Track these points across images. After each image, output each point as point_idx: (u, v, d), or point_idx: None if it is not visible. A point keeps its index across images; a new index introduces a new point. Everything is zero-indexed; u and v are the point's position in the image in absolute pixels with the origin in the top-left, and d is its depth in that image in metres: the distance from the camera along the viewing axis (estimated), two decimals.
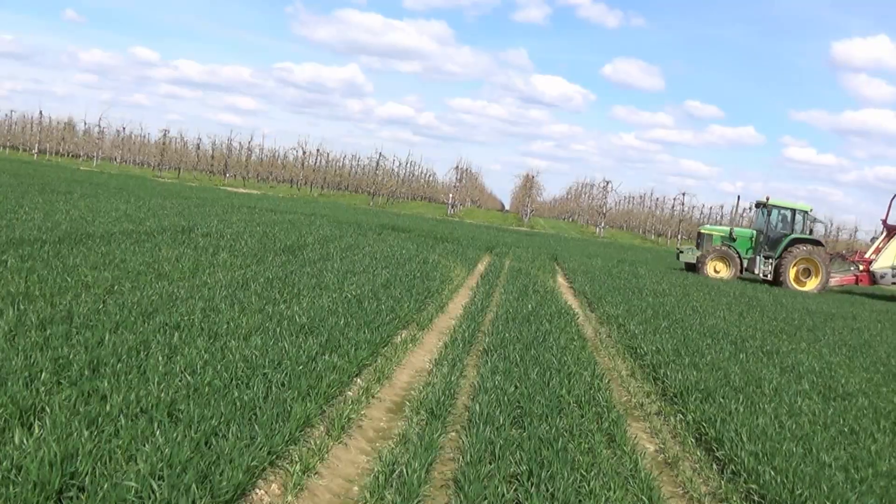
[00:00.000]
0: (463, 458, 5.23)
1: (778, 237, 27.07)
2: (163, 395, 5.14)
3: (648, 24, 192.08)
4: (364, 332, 8.14)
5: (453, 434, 5.89)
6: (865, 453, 6.38)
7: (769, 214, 27.32)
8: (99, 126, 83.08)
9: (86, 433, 4.29)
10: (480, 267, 18.82)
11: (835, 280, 28.18)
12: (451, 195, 73.84)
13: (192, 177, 79.67)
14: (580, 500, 4.79)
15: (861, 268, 28.17)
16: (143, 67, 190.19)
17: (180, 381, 5.55)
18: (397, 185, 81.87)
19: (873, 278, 27.80)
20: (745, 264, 27.20)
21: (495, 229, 46.72)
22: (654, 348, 9.59)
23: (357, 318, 8.81)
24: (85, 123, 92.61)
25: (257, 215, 25.10)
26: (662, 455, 6.24)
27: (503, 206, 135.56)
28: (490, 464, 5.13)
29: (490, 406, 6.26)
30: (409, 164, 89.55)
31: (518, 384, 7.09)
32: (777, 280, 26.43)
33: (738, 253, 27.04)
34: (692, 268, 27.31)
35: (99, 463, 4.05)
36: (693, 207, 76.95)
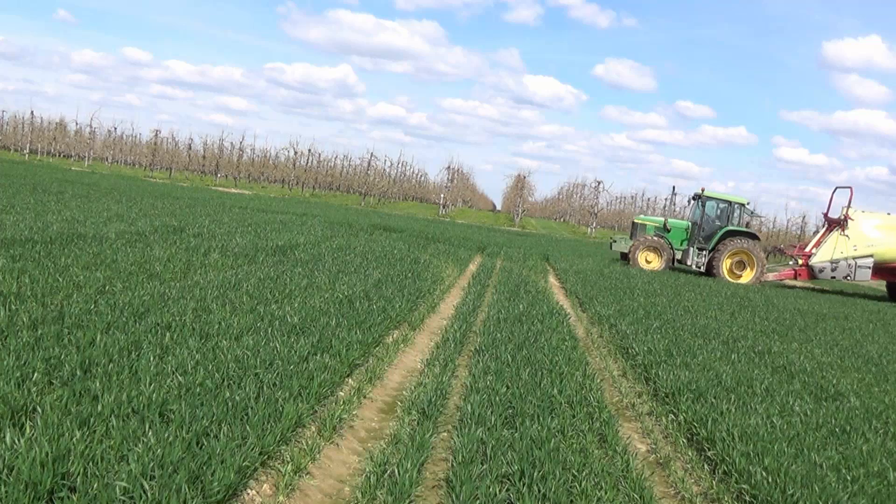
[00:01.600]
0: (454, 458, 5.23)
1: (713, 229, 27.01)
2: (154, 395, 5.12)
3: (640, 25, 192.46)
4: (356, 333, 8.14)
5: (445, 434, 5.90)
6: (857, 453, 6.40)
7: (704, 206, 27.24)
8: (90, 126, 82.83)
9: (77, 433, 4.28)
10: (472, 267, 18.83)
11: (773, 274, 28.21)
12: (442, 195, 73.86)
13: (184, 177, 79.45)
14: (572, 501, 4.80)
15: (800, 262, 28.03)
16: (135, 68, 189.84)
17: (172, 381, 5.55)
18: (389, 186, 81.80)
19: (812, 272, 27.59)
20: (677, 255, 27.15)
21: (487, 229, 46.73)
22: (645, 348, 9.60)
23: (349, 319, 8.80)
24: (76, 123, 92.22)
25: (249, 215, 25.06)
26: (654, 455, 6.25)
27: (494, 206, 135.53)
28: (482, 464, 5.13)
29: (482, 406, 6.26)
30: (400, 165, 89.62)
31: (510, 384, 7.09)
32: (710, 272, 26.42)
33: (669, 243, 26.93)
34: (627, 258, 27.29)
35: (90, 463, 4.04)
36: (684, 207, 76.98)
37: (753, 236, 27.37)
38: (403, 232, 27.40)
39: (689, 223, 27.88)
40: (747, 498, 5.32)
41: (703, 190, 27.33)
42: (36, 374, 5.19)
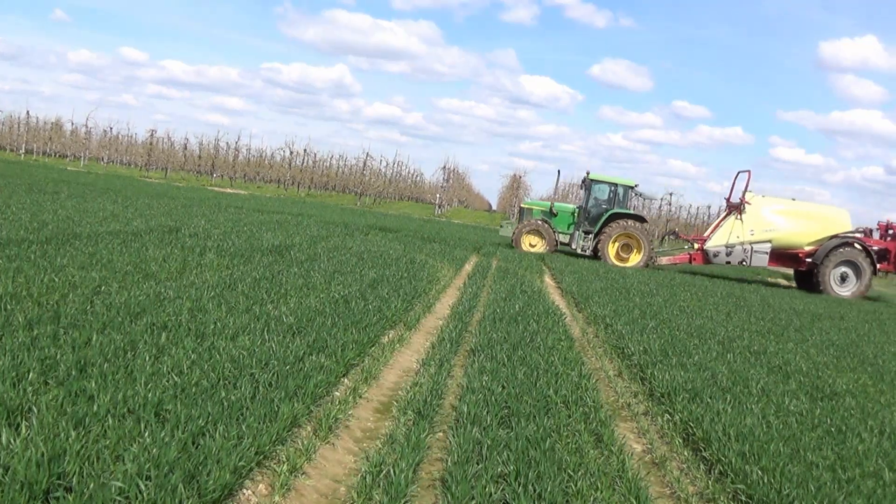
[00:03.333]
0: (450, 458, 5.23)
1: (599, 212, 26.89)
2: (150, 395, 5.12)
3: (637, 25, 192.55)
4: (351, 333, 8.14)
5: (441, 434, 5.90)
6: (853, 453, 6.42)
7: (590, 189, 27.17)
8: (86, 126, 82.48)
9: (73, 433, 4.28)
10: (468, 267, 18.83)
11: (667, 258, 28.04)
12: (438, 195, 73.79)
13: (180, 177, 79.33)
14: (567, 501, 4.80)
15: (696, 246, 27.68)
16: (131, 68, 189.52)
17: (167, 381, 5.54)
18: (384, 186, 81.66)
19: (707, 257, 27.23)
20: (563, 239, 27.12)
21: (482, 229, 46.70)
22: (641, 348, 9.61)
23: (344, 319, 8.80)
24: (72, 123, 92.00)
25: (244, 215, 25.04)
26: (650, 455, 6.26)
27: (491, 206, 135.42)
28: (477, 464, 5.13)
29: (477, 406, 6.27)
30: (396, 165, 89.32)
31: (505, 384, 7.10)
32: (597, 255, 26.30)
33: (551, 227, 26.90)
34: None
35: (86, 463, 4.04)
36: (680, 207, 76.98)
37: (640, 219, 27.19)
38: (399, 232, 27.39)
39: (577, 207, 27.77)
40: (743, 498, 5.33)
41: (588, 173, 27.31)
42: (32, 374, 5.18)
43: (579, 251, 26.93)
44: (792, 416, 7.37)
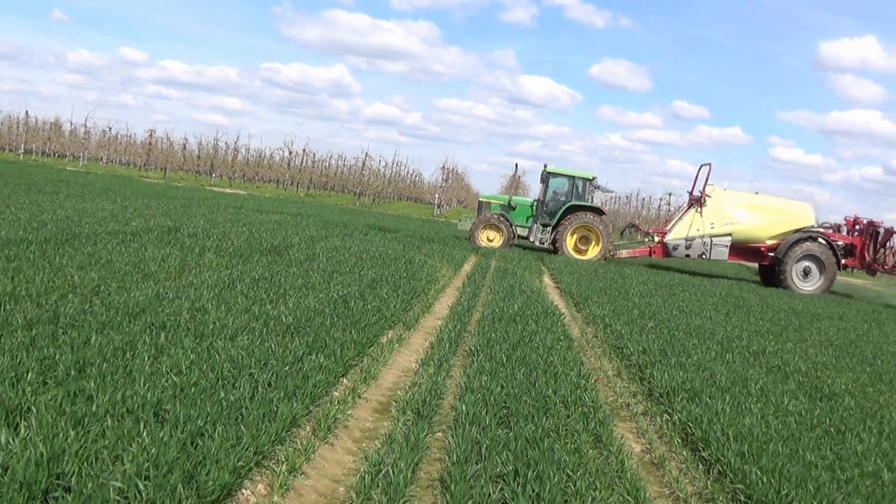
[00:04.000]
0: (449, 458, 5.23)
1: (558, 205, 26.78)
2: (149, 395, 5.13)
3: (636, 25, 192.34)
4: (350, 333, 8.14)
5: (440, 434, 5.90)
6: (852, 453, 6.42)
7: (548, 183, 27.06)
8: (85, 126, 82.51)
9: (72, 433, 4.28)
10: (467, 267, 18.83)
11: (627, 251, 27.90)
12: (437, 195, 73.76)
13: (179, 177, 79.31)
14: (566, 500, 4.81)
15: (657, 239, 27.44)
16: (130, 68, 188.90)
17: (166, 381, 5.55)
18: (383, 186, 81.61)
19: (666, 250, 26.92)
20: (522, 232, 26.96)
21: None
22: (640, 348, 9.61)
23: (343, 319, 8.80)
24: (71, 123, 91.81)
25: (243, 215, 25.03)
26: (649, 455, 6.26)
27: None
28: (476, 464, 5.14)
29: (476, 406, 6.27)
30: (395, 165, 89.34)
31: (504, 384, 7.10)
32: (556, 248, 26.21)
33: (508, 221, 26.76)
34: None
35: (85, 463, 4.04)
36: (679, 207, 77.01)
37: (599, 211, 27.06)
38: (398, 232, 27.38)
39: (535, 200, 27.67)
40: (742, 498, 5.33)
41: (545, 166, 27.16)
42: (31, 374, 5.19)
43: (537, 244, 26.88)
44: (791, 416, 7.37)
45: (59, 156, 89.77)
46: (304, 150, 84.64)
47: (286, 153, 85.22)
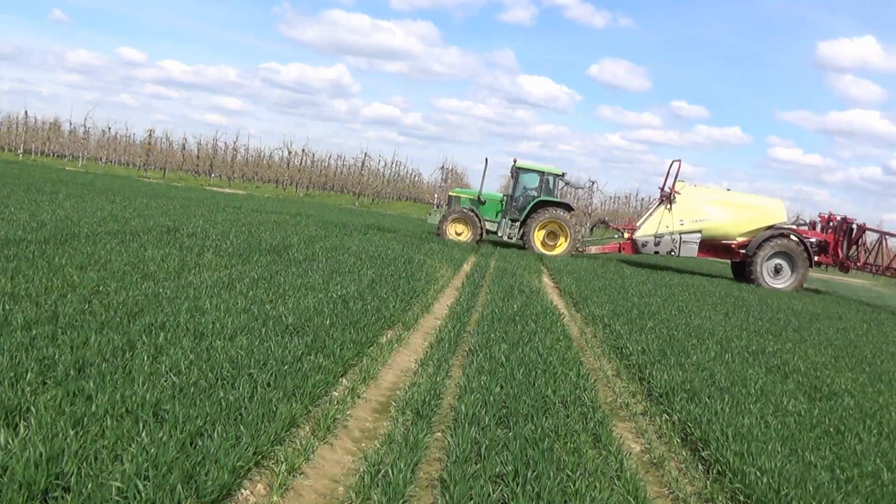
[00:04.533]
0: (448, 458, 5.24)
1: (527, 200, 26.84)
2: (148, 395, 5.12)
3: (636, 25, 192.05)
4: (350, 333, 8.14)
5: (439, 434, 5.90)
6: (851, 453, 6.42)
7: (517, 178, 27.12)
8: (84, 126, 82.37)
9: (71, 433, 4.28)
10: (466, 267, 18.82)
11: (596, 247, 27.92)
12: (436, 195, 73.72)
13: (178, 177, 79.23)
14: (566, 500, 4.81)
15: (626, 235, 27.45)
16: (129, 68, 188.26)
17: (166, 381, 5.55)
18: (383, 186, 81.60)
19: (636, 246, 26.94)
20: (489, 227, 27.01)
21: None
22: (639, 348, 9.61)
23: (343, 319, 8.80)
24: (70, 123, 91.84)
25: (243, 215, 25.02)
26: (648, 455, 6.26)
27: None
28: (476, 464, 5.14)
29: (476, 406, 6.27)
30: (394, 165, 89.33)
31: (503, 384, 7.10)
32: (524, 244, 26.28)
33: (477, 215, 26.77)
34: None
35: (84, 463, 4.04)
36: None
37: (567, 207, 27.17)
38: (397, 232, 27.37)
39: (504, 195, 27.76)
40: (741, 498, 5.33)
41: (515, 160, 27.24)
42: (30, 374, 5.18)
43: (506, 238, 26.99)
44: (790, 415, 7.38)
45: (58, 156, 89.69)
46: (303, 150, 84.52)
47: (285, 153, 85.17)
